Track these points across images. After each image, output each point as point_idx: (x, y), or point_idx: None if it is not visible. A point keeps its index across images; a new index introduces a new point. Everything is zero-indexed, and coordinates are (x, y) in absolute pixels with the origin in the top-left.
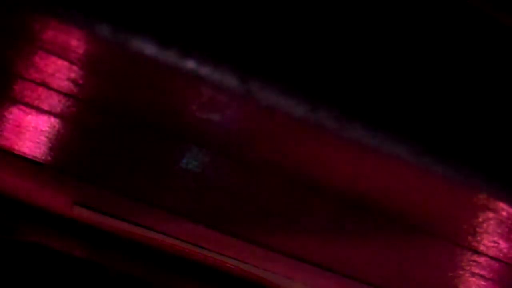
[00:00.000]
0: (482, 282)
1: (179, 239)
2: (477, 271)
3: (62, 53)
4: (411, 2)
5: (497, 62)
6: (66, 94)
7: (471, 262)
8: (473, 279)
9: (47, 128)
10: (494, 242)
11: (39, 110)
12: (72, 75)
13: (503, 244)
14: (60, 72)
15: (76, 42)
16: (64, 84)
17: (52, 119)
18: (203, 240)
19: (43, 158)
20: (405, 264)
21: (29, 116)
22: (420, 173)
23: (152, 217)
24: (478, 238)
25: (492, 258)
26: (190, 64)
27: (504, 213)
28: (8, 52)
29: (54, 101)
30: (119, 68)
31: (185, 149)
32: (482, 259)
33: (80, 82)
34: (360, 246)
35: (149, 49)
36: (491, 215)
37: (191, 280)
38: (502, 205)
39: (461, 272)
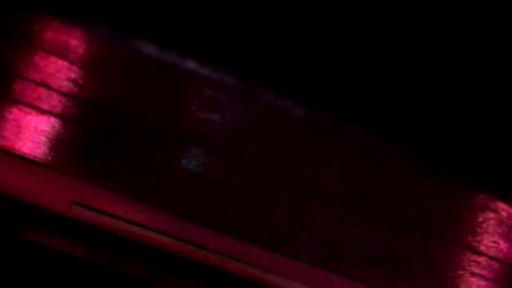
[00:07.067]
0: (482, 282)
1: (179, 239)
2: (477, 271)
3: (62, 53)
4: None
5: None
6: (66, 94)
7: (471, 262)
8: (473, 279)
9: (47, 128)
10: (494, 242)
11: (39, 110)
12: (72, 75)
13: (503, 244)
14: (60, 72)
15: (76, 42)
16: (64, 84)
17: (52, 119)
18: (203, 240)
19: (43, 158)
20: (405, 264)
21: (29, 116)
22: (420, 174)
23: (152, 217)
24: (478, 238)
25: (492, 258)
26: (190, 64)
27: (504, 213)
28: (8, 52)
29: (54, 101)
30: (119, 68)
31: (185, 149)
32: (482, 259)
33: (80, 82)
34: (360, 247)
35: (149, 49)
36: (491, 215)
37: (191, 280)
38: (502, 205)
39: (461, 272)
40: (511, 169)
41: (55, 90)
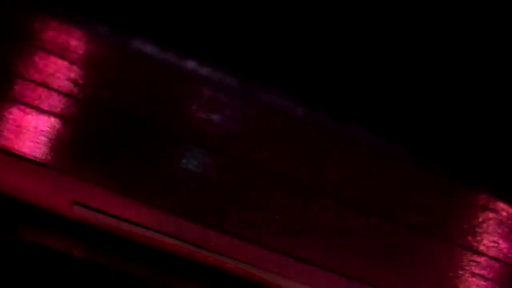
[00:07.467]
0: (482, 282)
1: (179, 239)
2: (477, 271)
3: (62, 53)
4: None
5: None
6: (66, 94)
7: (471, 262)
8: (473, 279)
9: (47, 128)
10: (494, 242)
11: (39, 110)
12: (72, 75)
13: (503, 244)
14: (60, 72)
15: (76, 42)
16: (64, 84)
17: (52, 119)
18: (203, 240)
19: (43, 158)
20: (405, 264)
21: (29, 116)
22: (420, 174)
23: (152, 217)
24: (478, 238)
25: (492, 258)
26: (190, 64)
27: (504, 213)
28: (8, 52)
29: (54, 101)
30: (118, 68)
31: (185, 149)
32: (482, 259)
33: (80, 82)
34: (360, 246)
35: (149, 49)
36: (491, 215)
37: (191, 280)
38: (502, 205)
39: (461, 272)
40: (511, 169)
41: (55, 90)
